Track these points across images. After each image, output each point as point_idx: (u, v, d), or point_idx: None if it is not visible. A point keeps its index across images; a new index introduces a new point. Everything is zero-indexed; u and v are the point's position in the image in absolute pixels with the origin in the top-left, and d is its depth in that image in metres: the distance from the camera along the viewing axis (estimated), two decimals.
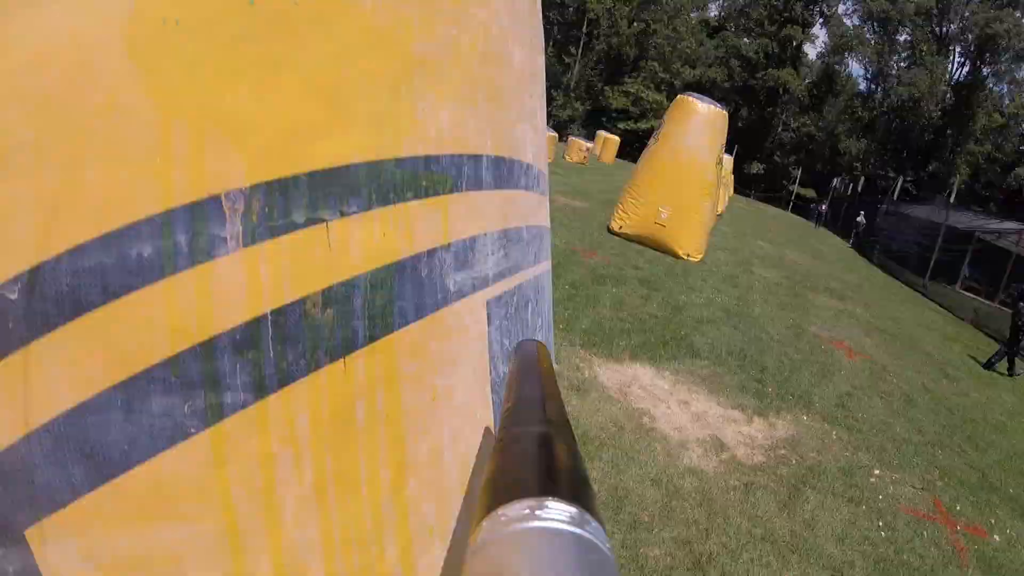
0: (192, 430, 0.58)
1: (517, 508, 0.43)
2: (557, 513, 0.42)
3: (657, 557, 4.44)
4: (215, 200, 0.57)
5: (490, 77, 0.87)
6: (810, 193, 67.66)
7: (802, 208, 60.83)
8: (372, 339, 0.70)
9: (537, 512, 0.42)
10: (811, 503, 5.65)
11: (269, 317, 0.61)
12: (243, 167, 0.58)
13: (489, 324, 0.91)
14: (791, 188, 67.80)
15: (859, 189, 43.93)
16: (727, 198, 30.01)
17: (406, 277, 0.73)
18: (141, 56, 0.53)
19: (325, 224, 0.64)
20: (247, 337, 0.60)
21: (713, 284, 12.33)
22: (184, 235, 0.55)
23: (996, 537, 6.12)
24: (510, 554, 0.40)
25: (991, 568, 5.61)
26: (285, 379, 0.63)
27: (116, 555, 0.58)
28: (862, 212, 34.99)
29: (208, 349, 0.58)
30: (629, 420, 6.09)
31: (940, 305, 20.83)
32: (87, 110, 0.52)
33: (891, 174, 60.86)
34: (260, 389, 0.62)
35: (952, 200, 28.75)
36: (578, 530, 0.41)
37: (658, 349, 7.99)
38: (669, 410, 6.52)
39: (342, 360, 0.67)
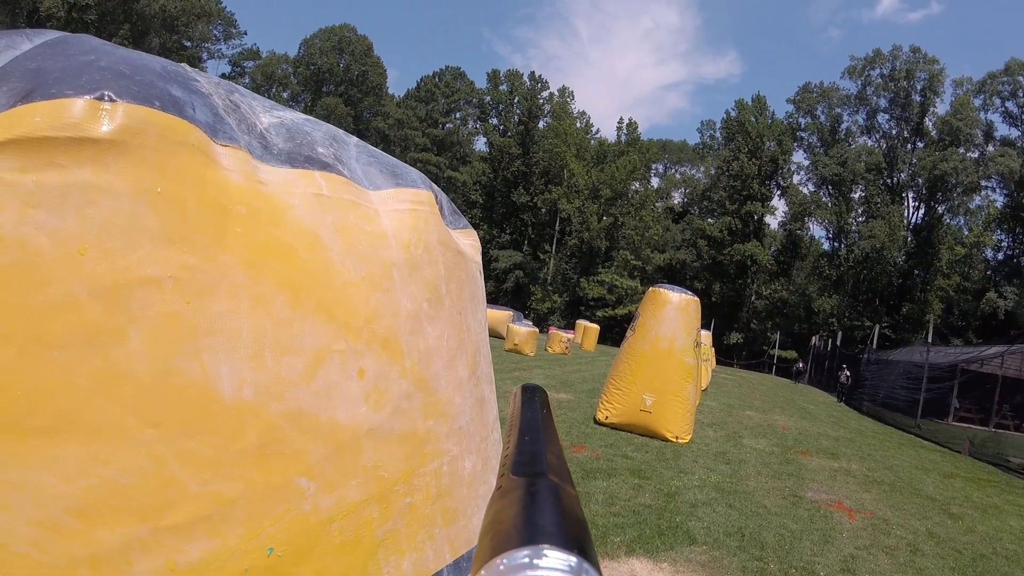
0: None
1: (516, 557, 0.43)
2: (556, 562, 0.42)
3: None
4: None
5: (444, 506, 1.12)
6: (791, 354, 68.47)
7: (785, 370, 61.35)
8: None
9: (535, 561, 0.42)
10: None
11: None
12: None
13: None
14: (772, 352, 68.77)
15: (838, 343, 44.53)
16: (710, 372, 30.32)
17: None
18: None
19: None
20: None
21: (704, 463, 12.40)
22: None
23: None
24: None
25: None
26: None
27: None
28: (845, 366, 35.13)
29: None
30: None
31: (935, 443, 20.84)
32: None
33: (867, 323, 62.10)
34: None
35: (930, 337, 29.30)
36: None
37: (654, 540, 8.02)
38: None
39: None
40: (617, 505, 9.20)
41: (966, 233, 74.86)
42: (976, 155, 76.22)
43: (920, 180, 76.48)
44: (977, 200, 77.15)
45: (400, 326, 1.04)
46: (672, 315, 14.11)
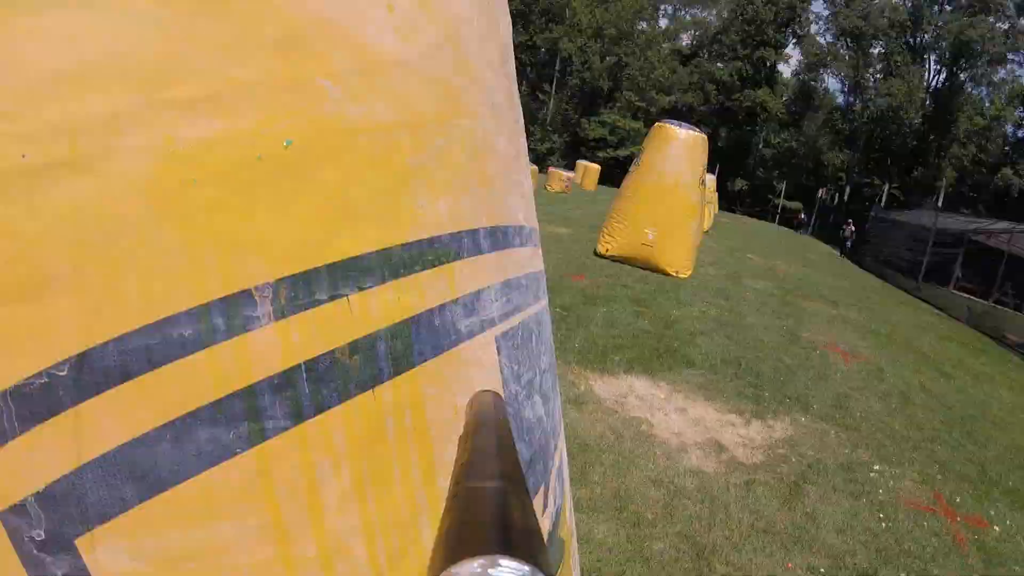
0: (238, 450, 0.66)
1: (469, 567, 0.42)
2: (509, 572, 0.42)
3: (662, 550, 4.50)
4: (245, 292, 0.65)
5: (479, 168, 0.97)
6: (796, 205, 67.70)
7: (788, 220, 61.04)
8: (396, 373, 0.78)
9: (489, 571, 0.42)
10: (812, 497, 5.70)
11: (303, 366, 0.69)
12: (268, 268, 0.67)
13: (499, 355, 0.98)
14: (777, 202, 68.08)
15: (845, 199, 44.06)
16: (712, 216, 30.10)
17: (421, 327, 0.81)
18: (164, 209, 0.63)
19: (346, 298, 0.73)
20: (284, 381, 0.68)
21: (704, 298, 12.38)
22: (220, 318, 0.64)
23: (996, 528, 6.16)
24: None
25: (991, 557, 5.65)
26: (321, 408, 0.71)
27: (165, 552, 0.64)
28: (849, 221, 34.79)
29: (249, 392, 0.66)
30: (627, 428, 6.13)
31: (934, 307, 20.94)
32: (119, 248, 0.61)
33: (876, 182, 61.27)
34: (298, 416, 0.70)
35: (940, 204, 28.96)
36: None
37: (652, 361, 8.04)
38: (667, 417, 6.57)
39: (371, 391, 0.75)
40: (617, 328, 9.18)
41: (987, 105, 72.81)
42: (1006, 26, 73.35)
43: (944, 44, 73.04)
44: (1002, 73, 74.71)
45: None
46: (678, 151, 13.71)
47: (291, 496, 0.70)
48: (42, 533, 0.60)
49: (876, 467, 6.64)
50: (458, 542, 0.47)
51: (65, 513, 0.60)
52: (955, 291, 25.93)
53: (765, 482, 5.75)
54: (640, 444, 5.90)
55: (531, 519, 0.55)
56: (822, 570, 4.81)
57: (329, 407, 0.72)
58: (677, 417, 6.65)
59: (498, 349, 0.98)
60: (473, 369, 0.90)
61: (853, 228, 33.68)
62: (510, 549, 0.44)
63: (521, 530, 0.50)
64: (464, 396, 0.87)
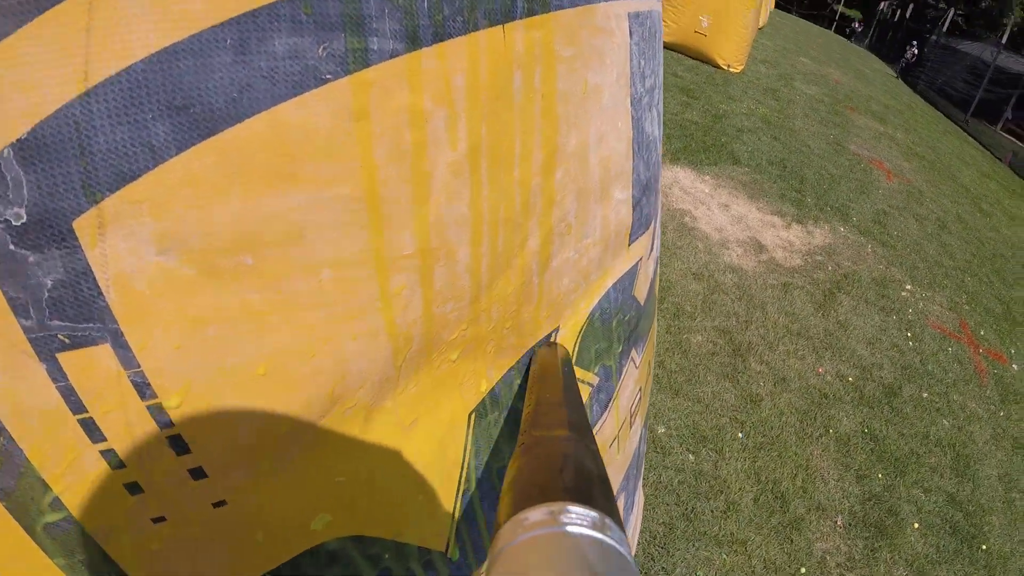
0: (328, 76, 0.47)
1: (539, 513, 0.44)
2: (578, 518, 0.43)
3: (700, 343, 4.54)
4: None
5: None
6: (855, 14, 64.74)
7: (843, 28, 58.55)
8: (531, 13, 0.64)
9: (559, 517, 0.43)
10: (844, 307, 5.70)
11: None
12: None
13: (630, 37, 0.89)
14: (836, 8, 64.92)
15: (907, 16, 41.91)
16: (768, 13, 28.78)
17: None
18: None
19: None
20: None
21: (754, 95, 11.94)
22: None
23: (1015, 366, 6.21)
24: (532, 559, 0.41)
25: (1008, 392, 5.72)
26: (441, 34, 0.55)
27: (209, 235, 0.47)
28: (915, 43, 32.90)
29: None
30: (671, 219, 6.05)
31: (979, 143, 20.34)
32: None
33: (942, 4, 58.23)
34: (413, 40, 0.53)
35: (1004, 39, 27.56)
36: (599, 535, 0.42)
37: (699, 154, 7.84)
38: (710, 212, 6.47)
39: (501, 27, 0.61)
40: (664, 117, 8.85)
41: None
42: None
43: None
44: None
45: None
46: None
47: (394, 157, 0.55)
48: (22, 213, 0.40)
49: (908, 287, 6.61)
50: (528, 489, 0.49)
51: (60, 174, 0.40)
52: (1002, 132, 25.25)
53: (801, 286, 5.73)
54: (683, 236, 5.83)
55: (599, 467, 0.56)
56: (850, 379, 4.87)
57: (451, 35, 0.56)
58: (720, 213, 6.55)
59: (630, 31, 0.90)
60: (606, 39, 0.81)
61: (916, 51, 31.94)
62: (579, 496, 0.46)
63: (589, 478, 0.52)
64: (595, 75, 0.79)
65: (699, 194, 6.78)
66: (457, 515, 0.85)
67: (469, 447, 0.83)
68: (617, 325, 1.11)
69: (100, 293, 0.44)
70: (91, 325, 0.45)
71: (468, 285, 0.70)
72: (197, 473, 0.55)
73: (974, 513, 4.35)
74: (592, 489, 0.49)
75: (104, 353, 0.46)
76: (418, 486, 0.76)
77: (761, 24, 22.75)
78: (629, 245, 1.08)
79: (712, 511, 3.52)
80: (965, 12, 63.75)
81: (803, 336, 5.08)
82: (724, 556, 3.32)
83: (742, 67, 13.49)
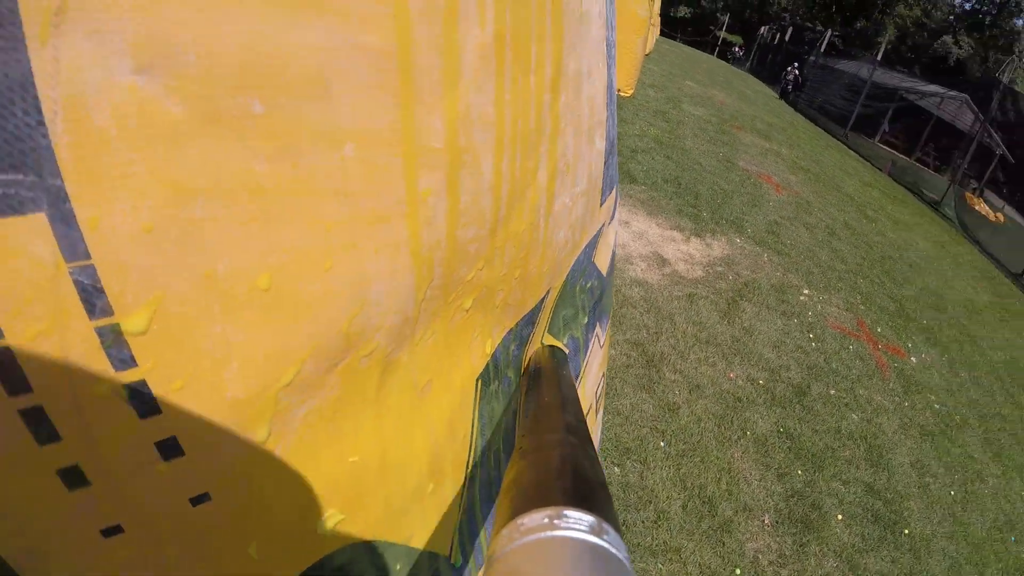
0: None
1: (536, 517, 0.43)
2: (575, 523, 0.42)
3: (614, 356, 4.55)
4: None
5: None
6: (737, 39, 67.06)
7: (725, 53, 60.44)
8: None
9: (556, 521, 0.42)
10: (748, 314, 5.80)
11: None
12: None
13: (607, 13, 0.86)
14: (718, 34, 67.01)
15: (786, 39, 43.50)
16: (655, 39, 29.47)
17: None
18: None
19: None
20: None
21: (645, 118, 12.18)
22: None
23: (913, 359, 6.43)
24: (528, 564, 0.40)
25: (910, 383, 5.92)
26: None
27: (211, 58, 0.32)
28: (796, 64, 33.81)
29: None
30: None
31: (859, 155, 21.21)
32: None
33: (819, 27, 60.79)
34: None
35: (879, 57, 28.84)
36: (596, 539, 0.41)
37: None
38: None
39: None
40: None
41: None
42: None
43: None
44: None
45: None
46: None
47: (427, 14, 0.44)
48: None
49: (805, 291, 6.79)
50: (525, 493, 0.48)
51: None
52: (880, 144, 26.38)
53: (705, 296, 5.81)
54: None
55: (597, 471, 0.55)
56: (760, 382, 4.95)
57: None
58: (621, 230, 6.60)
59: None
60: None
61: (797, 73, 32.82)
62: (576, 500, 0.45)
63: (586, 482, 0.51)
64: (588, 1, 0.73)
65: None
66: (463, 510, 0.79)
67: (475, 423, 0.77)
68: (580, 292, 1.05)
69: (42, 122, 0.26)
70: (19, 177, 0.27)
71: (489, 208, 0.59)
72: (169, 449, 0.37)
73: (893, 500, 4.46)
74: (590, 494, 0.48)
75: (34, 229, 0.28)
76: (431, 471, 0.69)
77: (648, 50, 23.28)
78: (601, 204, 0.99)
79: (643, 521, 3.51)
80: (841, 33, 66.63)
81: (712, 343, 5.14)
82: (660, 565, 3.30)
83: (632, 90, 13.70)
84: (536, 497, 0.46)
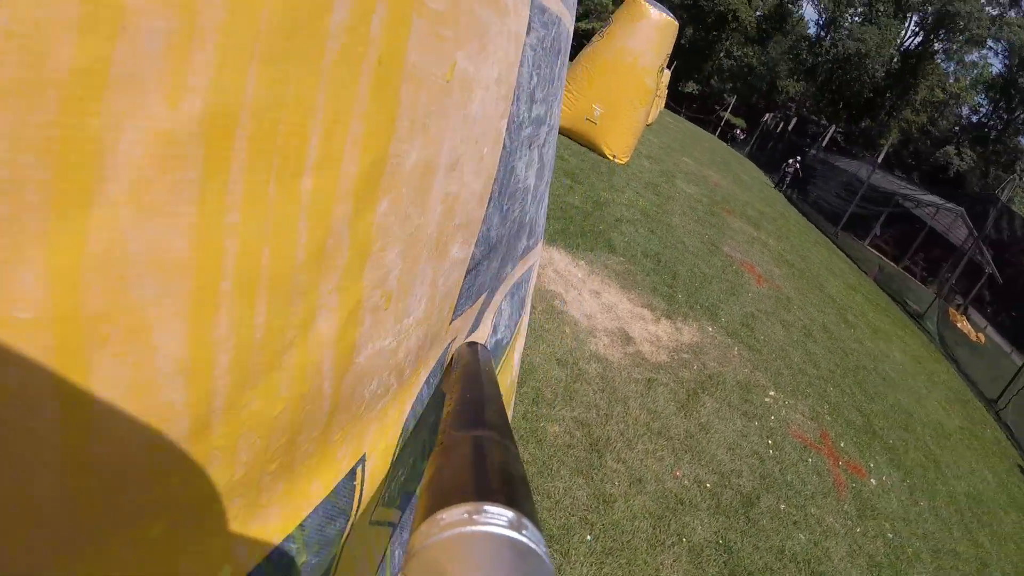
0: None
1: (455, 512, 0.43)
2: (495, 517, 0.42)
3: (557, 434, 4.26)
4: None
5: None
6: (740, 122, 68.13)
7: (727, 134, 61.33)
8: None
9: (475, 516, 0.42)
10: (707, 409, 5.54)
11: None
12: None
13: (528, 32, 0.71)
14: (722, 114, 67.87)
15: (790, 128, 43.95)
16: (659, 110, 29.64)
17: None
18: None
19: None
20: None
21: (636, 188, 12.06)
22: None
23: (872, 480, 6.19)
24: (447, 558, 0.40)
25: (865, 507, 5.66)
26: None
27: None
28: (799, 158, 33.68)
29: None
30: (541, 300, 5.83)
31: (847, 255, 21.25)
32: None
33: (823, 121, 61.68)
34: None
35: (880, 159, 29.10)
36: (515, 534, 0.41)
37: (576, 239, 7.70)
38: (581, 297, 6.27)
39: None
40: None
41: (951, 81, 73.54)
42: (995, 12, 73.38)
43: (930, 9, 73.55)
44: (975, 56, 75.25)
45: None
46: (646, 31, 12.98)
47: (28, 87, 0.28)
48: None
49: (771, 393, 6.55)
50: (445, 488, 0.48)
51: None
52: (870, 247, 26.51)
53: (666, 383, 5.56)
54: (551, 319, 5.60)
55: (516, 466, 0.56)
56: (708, 485, 4.66)
57: None
58: (591, 299, 6.36)
59: (529, 24, 0.71)
60: (496, 19, 0.61)
61: (799, 167, 32.68)
62: (495, 496, 0.45)
63: (506, 477, 0.52)
64: (469, 60, 0.59)
65: (572, 278, 6.59)
66: None
67: None
68: (426, 430, 0.88)
69: None
70: None
71: (183, 402, 0.40)
72: None
73: None
74: (510, 489, 0.47)
75: None
76: None
77: (650, 121, 23.45)
78: (450, 323, 0.82)
79: None
80: (845, 130, 67.68)
81: (663, 436, 4.85)
82: None
83: (627, 159, 13.69)
84: (455, 492, 0.46)
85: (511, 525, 0.42)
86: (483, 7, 0.57)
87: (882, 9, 73.57)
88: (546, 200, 1.24)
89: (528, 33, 0.70)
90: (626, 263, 7.74)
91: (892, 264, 24.82)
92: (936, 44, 73.33)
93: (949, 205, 23.64)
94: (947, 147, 66.77)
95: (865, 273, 19.79)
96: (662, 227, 10.18)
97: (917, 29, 75.62)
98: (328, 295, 0.50)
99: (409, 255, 0.60)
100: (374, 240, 0.53)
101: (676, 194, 13.57)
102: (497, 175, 0.74)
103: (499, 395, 0.75)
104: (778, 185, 32.10)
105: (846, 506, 5.44)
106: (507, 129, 0.73)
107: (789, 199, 29.23)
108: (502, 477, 0.51)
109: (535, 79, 0.77)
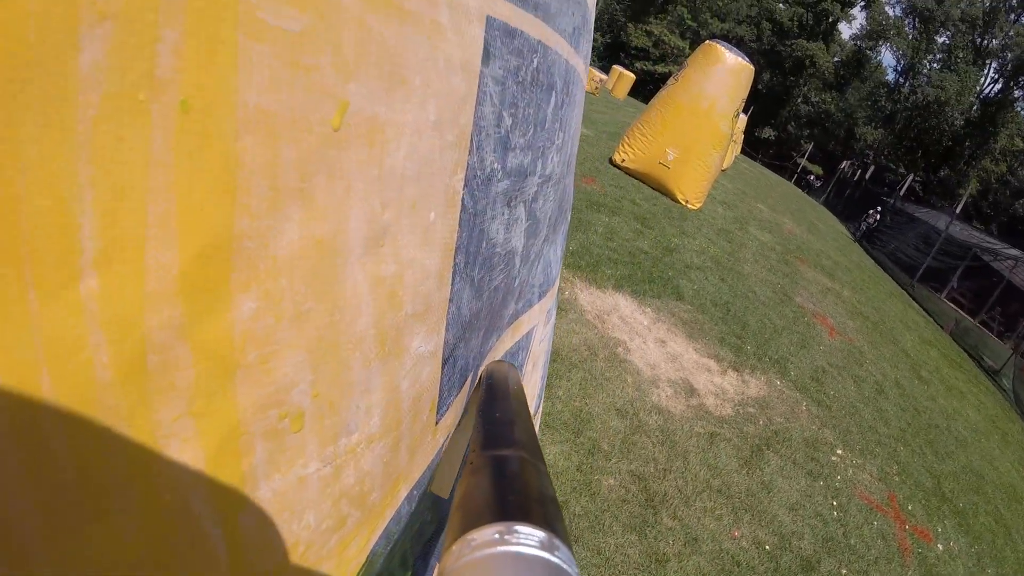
0: None
1: (486, 533, 0.42)
2: (526, 538, 0.42)
3: (611, 487, 4.21)
4: None
5: None
6: (817, 169, 67.48)
7: (806, 181, 60.68)
8: None
9: (506, 537, 0.42)
10: (771, 467, 5.44)
11: None
12: None
13: (486, 61, 0.57)
14: (799, 161, 67.18)
15: (867, 177, 43.28)
16: (734, 156, 29.44)
17: None
18: None
19: None
20: None
21: (707, 234, 11.97)
22: None
23: (939, 546, 5.98)
24: None
25: (930, 574, 5.47)
26: None
27: None
28: (879, 208, 33.00)
29: None
30: (604, 347, 5.80)
31: (923, 308, 20.71)
32: None
33: (901, 170, 60.63)
34: None
35: (959, 210, 28.50)
36: (547, 555, 0.41)
37: (643, 284, 7.67)
38: (645, 345, 6.24)
39: None
40: (615, 241, 8.77)
41: None
42: None
43: (1009, 55, 71.94)
44: None
45: None
46: (722, 76, 12.95)
47: None
48: None
49: (839, 451, 6.40)
50: (475, 509, 0.47)
51: None
52: (946, 300, 25.85)
53: (728, 439, 5.47)
54: (612, 367, 5.57)
55: (547, 486, 0.55)
56: (767, 547, 4.56)
57: None
58: (655, 348, 6.31)
59: (486, 49, 0.56)
60: (421, 42, 0.48)
61: (879, 217, 31.98)
62: (527, 516, 0.45)
63: (537, 497, 0.51)
64: (376, 100, 0.46)
65: (637, 326, 6.56)
66: None
67: None
68: (402, 548, 0.78)
69: None
70: None
71: None
72: None
73: None
74: (541, 509, 0.48)
75: None
76: None
77: (725, 166, 23.33)
78: (436, 423, 0.74)
79: None
80: (923, 179, 66.39)
81: (723, 493, 4.77)
82: None
83: (700, 204, 13.62)
84: (486, 512, 0.45)
85: (543, 546, 0.42)
86: (387, 24, 0.45)
87: (961, 56, 72.31)
88: (553, 254, 1.17)
89: (487, 62, 0.58)
90: (694, 311, 7.68)
91: (969, 318, 24.12)
92: (1016, 91, 71.71)
93: None
94: None
95: (941, 327, 19.27)
96: (733, 275, 10.08)
97: (996, 76, 74.04)
98: (174, 423, 0.39)
99: (326, 363, 0.49)
100: (241, 350, 0.41)
101: (748, 241, 13.43)
102: (459, 243, 0.64)
103: (528, 415, 0.75)
104: (858, 237, 31.46)
105: (910, 572, 5.27)
106: (467, 185, 0.61)
107: (866, 250, 28.69)
108: (533, 497, 0.50)
109: (508, 121, 0.64)
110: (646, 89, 64.89)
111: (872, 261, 25.44)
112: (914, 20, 78.02)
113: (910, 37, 77.34)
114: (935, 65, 76.12)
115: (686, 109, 12.91)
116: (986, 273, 26.19)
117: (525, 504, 0.48)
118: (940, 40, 77.30)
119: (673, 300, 7.72)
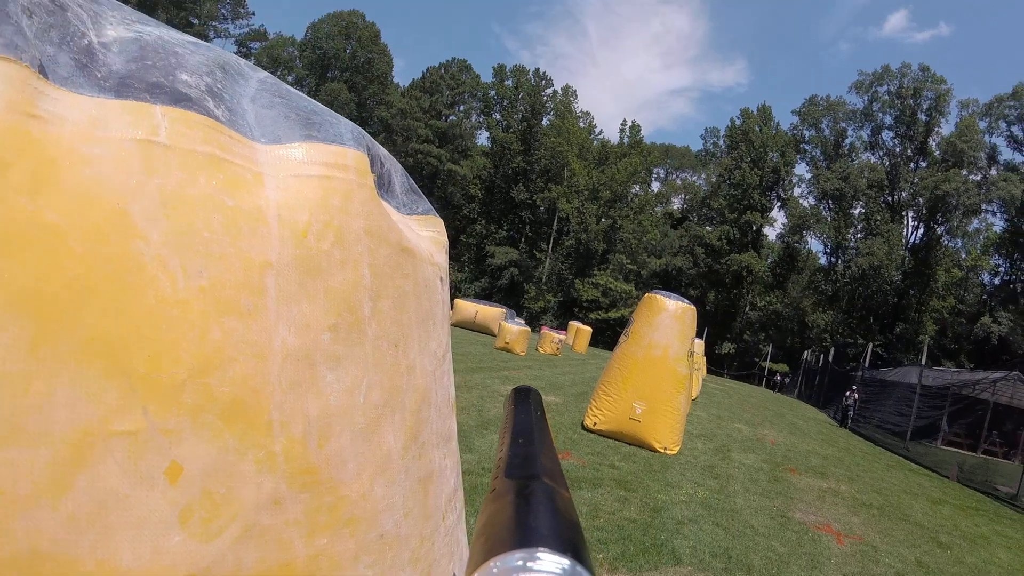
0: None
1: (510, 560, 0.42)
2: (549, 564, 0.42)
3: None
4: None
5: None
6: (782, 367, 68.93)
7: (773, 382, 61.58)
8: None
9: (529, 564, 0.42)
10: None
11: None
12: None
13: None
14: (763, 364, 68.53)
15: (830, 359, 44.18)
16: (701, 381, 30.01)
17: None
18: None
19: None
20: None
21: (692, 478, 12.09)
22: None
23: None
24: None
25: None
26: None
27: None
28: (854, 388, 33.01)
29: None
30: None
31: (923, 465, 20.64)
32: None
33: (860, 340, 62.14)
34: None
35: (924, 359, 29.10)
36: None
37: (637, 558, 7.72)
38: None
39: None
40: (601, 518, 8.88)
41: (964, 256, 75.07)
42: (978, 177, 76.35)
43: (921, 200, 76.68)
44: (976, 223, 77.50)
45: (270, 377, 0.63)
46: (667, 323, 13.72)
47: None
48: None
49: None
50: (499, 535, 0.47)
51: None
52: (943, 447, 25.84)
53: None
54: None
55: (571, 513, 0.55)
56: None
57: None
58: None
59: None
60: None
61: (857, 396, 32.04)
62: (550, 542, 0.45)
63: (561, 524, 0.50)
64: None
65: None
66: None
67: None
68: None
69: None
70: None
71: None
72: None
73: None
74: (565, 536, 0.47)
75: None
76: None
77: (694, 395, 23.73)
78: None
79: None
80: (883, 341, 67.77)
81: None
82: None
83: (678, 447, 13.86)
84: (509, 539, 0.45)
85: (565, 573, 0.42)
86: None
87: (879, 218, 76.69)
88: None
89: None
90: (694, 572, 7.68)
91: (971, 454, 24.10)
92: (938, 229, 75.62)
93: (1000, 374, 23.43)
94: (982, 319, 66.88)
95: (946, 477, 19.14)
96: (726, 515, 10.14)
97: (916, 223, 78.25)
98: None
99: None
100: None
101: (734, 471, 13.56)
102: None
103: (551, 441, 0.75)
104: (842, 422, 31.49)
105: None
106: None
107: (852, 430, 28.77)
108: (556, 524, 0.50)
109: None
110: (605, 336, 67.26)
111: (860, 439, 25.48)
112: (828, 202, 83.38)
113: (829, 219, 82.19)
114: (859, 235, 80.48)
115: (642, 361, 13.54)
116: (971, 406, 26.47)
117: (549, 531, 0.48)
118: (856, 211, 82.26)
119: (671, 566, 7.75)
